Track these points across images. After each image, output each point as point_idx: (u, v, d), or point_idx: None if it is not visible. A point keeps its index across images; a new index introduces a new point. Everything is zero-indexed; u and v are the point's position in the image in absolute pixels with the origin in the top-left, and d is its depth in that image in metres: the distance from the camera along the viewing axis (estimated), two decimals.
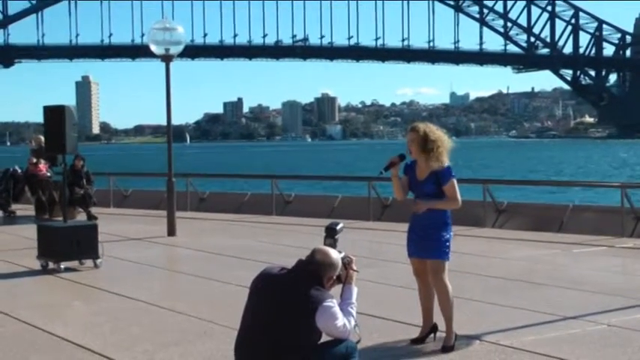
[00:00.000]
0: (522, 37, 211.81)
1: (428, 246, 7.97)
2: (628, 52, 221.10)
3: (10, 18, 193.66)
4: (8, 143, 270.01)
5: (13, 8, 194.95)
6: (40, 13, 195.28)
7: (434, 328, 8.19)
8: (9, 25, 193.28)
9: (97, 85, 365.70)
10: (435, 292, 8.06)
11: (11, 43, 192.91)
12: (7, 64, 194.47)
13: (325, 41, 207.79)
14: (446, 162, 7.91)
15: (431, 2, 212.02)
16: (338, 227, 6.78)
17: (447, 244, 8.00)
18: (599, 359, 7.79)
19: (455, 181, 7.95)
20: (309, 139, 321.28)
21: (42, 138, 21.10)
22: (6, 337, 8.94)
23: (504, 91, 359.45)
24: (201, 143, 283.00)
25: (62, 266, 13.19)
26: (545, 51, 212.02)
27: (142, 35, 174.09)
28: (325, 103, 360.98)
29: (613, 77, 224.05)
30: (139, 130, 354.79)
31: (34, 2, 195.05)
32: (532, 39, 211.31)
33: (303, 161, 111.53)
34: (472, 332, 8.27)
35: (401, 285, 10.92)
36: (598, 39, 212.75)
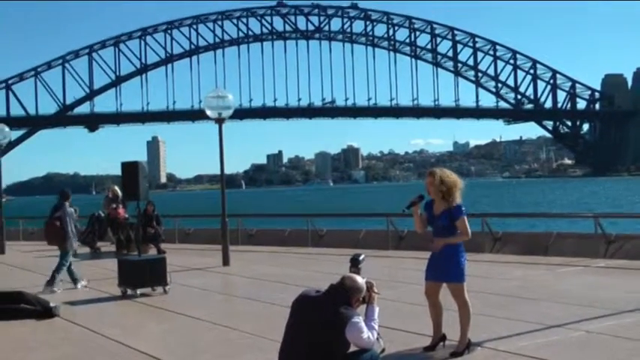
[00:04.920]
0: (511, 95, 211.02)
1: (447, 271, 7.94)
2: (597, 106, 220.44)
3: (95, 92, 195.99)
4: (94, 192, 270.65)
5: (97, 83, 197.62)
6: (118, 87, 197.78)
7: (443, 338, 8.15)
8: (94, 97, 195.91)
9: (164, 143, 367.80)
10: (458, 309, 8.04)
11: (96, 112, 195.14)
12: (93, 128, 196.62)
13: (349, 102, 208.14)
14: (458, 200, 7.89)
15: (435, 68, 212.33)
16: (360, 258, 6.80)
17: (463, 268, 7.98)
18: None
19: (465, 218, 7.90)
20: (331, 184, 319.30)
21: (116, 187, 21.38)
22: (94, 349, 9.00)
23: (498, 140, 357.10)
24: (249, 189, 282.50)
25: (138, 292, 13.28)
26: (530, 106, 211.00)
27: (200, 102, 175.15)
28: (350, 153, 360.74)
29: (586, 126, 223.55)
30: (198, 179, 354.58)
31: (113, 79, 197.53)
32: (519, 96, 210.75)
33: (335, 202, 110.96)
34: (474, 340, 8.19)
35: (415, 303, 10.84)
36: (572, 96, 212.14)
